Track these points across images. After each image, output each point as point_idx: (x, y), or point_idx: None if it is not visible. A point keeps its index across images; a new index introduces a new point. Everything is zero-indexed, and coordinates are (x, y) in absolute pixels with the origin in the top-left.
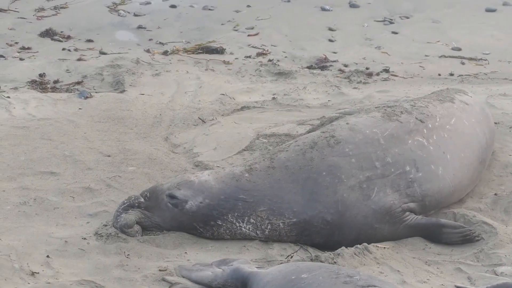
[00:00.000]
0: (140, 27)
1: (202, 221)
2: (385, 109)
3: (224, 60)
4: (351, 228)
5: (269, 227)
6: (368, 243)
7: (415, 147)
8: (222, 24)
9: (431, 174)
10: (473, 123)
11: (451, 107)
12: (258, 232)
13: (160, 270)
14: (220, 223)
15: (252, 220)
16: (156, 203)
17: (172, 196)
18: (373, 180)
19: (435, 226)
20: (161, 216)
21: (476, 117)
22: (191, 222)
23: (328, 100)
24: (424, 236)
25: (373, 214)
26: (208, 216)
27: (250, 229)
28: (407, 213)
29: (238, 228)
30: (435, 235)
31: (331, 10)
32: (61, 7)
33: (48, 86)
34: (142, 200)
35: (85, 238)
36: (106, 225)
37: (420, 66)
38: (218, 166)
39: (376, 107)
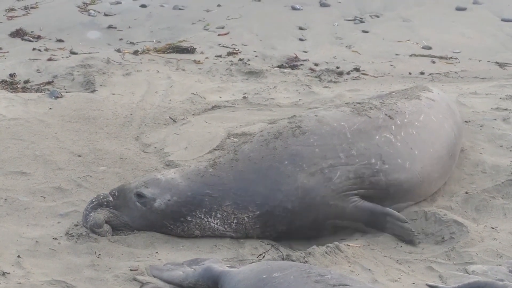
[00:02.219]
0: (110, 26)
1: (171, 219)
2: (354, 105)
3: (194, 60)
4: (310, 210)
5: (235, 221)
6: (324, 222)
7: (382, 143)
8: (192, 24)
9: (398, 167)
10: (440, 118)
11: (418, 103)
12: (225, 226)
13: (131, 270)
14: (190, 219)
15: (219, 215)
16: (124, 202)
17: (140, 195)
18: (336, 166)
19: (381, 212)
20: (130, 215)
21: (443, 113)
22: (161, 220)
23: (299, 99)
24: (370, 222)
25: (331, 193)
26: (177, 213)
27: (218, 224)
28: (356, 197)
29: (207, 223)
30: (380, 222)
31: (302, 9)
32: (32, 7)
33: (19, 86)
34: (111, 198)
35: (56, 238)
36: (77, 225)
37: (390, 65)
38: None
39: (346, 103)
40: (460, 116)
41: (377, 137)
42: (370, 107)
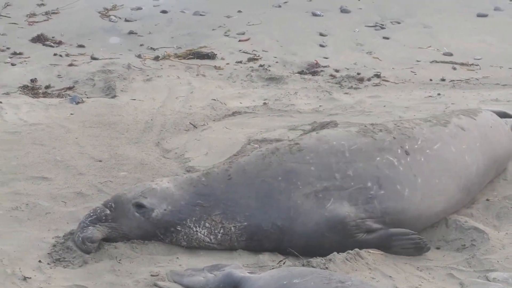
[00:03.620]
0: (131, 32)
1: (163, 228)
2: (364, 126)
3: (215, 66)
4: (301, 234)
5: (221, 231)
6: (316, 251)
7: (383, 165)
8: (213, 30)
9: (395, 194)
10: (462, 149)
11: (440, 130)
12: (211, 237)
13: (151, 275)
14: (180, 228)
15: (207, 225)
16: (122, 213)
17: (139, 205)
18: (330, 190)
19: (385, 237)
20: (128, 225)
21: (469, 144)
22: (154, 229)
23: (319, 106)
24: (376, 247)
25: (326, 223)
26: (170, 222)
27: (205, 234)
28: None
29: (195, 233)
30: (386, 245)
31: (322, 15)
32: (53, 13)
33: (40, 91)
34: (108, 211)
35: None
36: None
37: (411, 71)
38: None
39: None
40: (504, 147)
41: (378, 159)
42: (380, 130)
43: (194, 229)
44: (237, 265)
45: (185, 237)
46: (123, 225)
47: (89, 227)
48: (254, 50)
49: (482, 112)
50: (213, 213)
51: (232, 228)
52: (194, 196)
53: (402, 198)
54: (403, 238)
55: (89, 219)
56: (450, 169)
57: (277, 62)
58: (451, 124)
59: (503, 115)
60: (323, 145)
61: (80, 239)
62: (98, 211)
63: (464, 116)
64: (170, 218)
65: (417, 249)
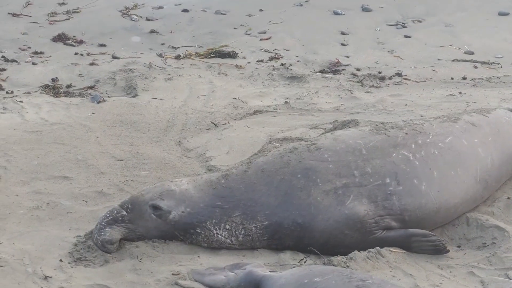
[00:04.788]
0: (152, 31)
1: (182, 230)
2: (376, 124)
3: (236, 64)
4: (322, 232)
5: (242, 232)
6: (336, 249)
7: (399, 160)
8: (234, 28)
9: (413, 189)
10: (475, 143)
11: (450, 126)
12: (232, 239)
13: (173, 274)
14: (199, 231)
15: (227, 227)
16: (139, 214)
17: (156, 207)
18: (349, 187)
19: (404, 236)
20: (145, 226)
21: (481, 138)
22: (172, 230)
23: (341, 104)
24: (395, 246)
25: (345, 220)
26: (189, 224)
27: (226, 236)
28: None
29: (215, 235)
30: (405, 246)
31: (344, 14)
32: (74, 12)
33: (61, 90)
34: (125, 213)
35: None
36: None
37: (432, 70)
38: None
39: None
40: None
41: (394, 155)
42: (392, 127)
43: (215, 231)
44: (258, 263)
45: (205, 239)
46: (140, 227)
47: (106, 229)
48: (275, 49)
49: (496, 110)
50: (233, 214)
51: (253, 228)
52: (213, 198)
53: (420, 193)
54: (422, 239)
55: (105, 220)
56: (465, 161)
57: (298, 61)
58: (462, 120)
59: None
60: (340, 144)
61: (99, 242)
62: (115, 212)
63: (475, 113)
64: (189, 220)
65: (435, 251)
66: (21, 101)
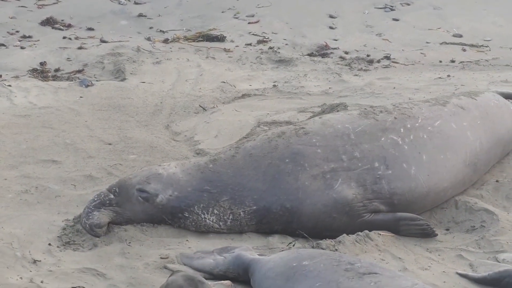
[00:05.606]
0: (140, 15)
1: (170, 213)
2: (364, 108)
3: (224, 48)
4: (310, 216)
5: (231, 217)
6: (324, 233)
7: (388, 144)
8: (222, 12)
9: (402, 173)
10: (464, 126)
11: (439, 110)
12: (221, 223)
13: (161, 258)
14: (187, 215)
15: (215, 211)
16: (126, 198)
17: (142, 191)
18: (338, 171)
19: (393, 220)
20: (132, 210)
21: (469, 121)
22: (160, 214)
23: (329, 88)
24: (383, 229)
25: (334, 204)
26: (176, 208)
27: (214, 221)
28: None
29: (203, 220)
30: (393, 229)
31: None
32: None
33: (49, 74)
34: (112, 196)
35: None
36: None
37: (421, 53)
38: None
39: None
40: (508, 127)
41: (382, 139)
42: (380, 111)
43: (202, 216)
44: (247, 247)
45: (193, 223)
46: (128, 210)
47: (94, 212)
48: (263, 33)
49: (484, 93)
50: (221, 199)
51: (242, 213)
52: (201, 182)
53: (409, 177)
54: (411, 223)
55: (93, 204)
56: (454, 144)
57: (286, 44)
58: (450, 104)
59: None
60: (328, 128)
61: (87, 226)
62: (102, 196)
63: (464, 97)
64: (176, 204)
65: (424, 235)
66: (10, 85)
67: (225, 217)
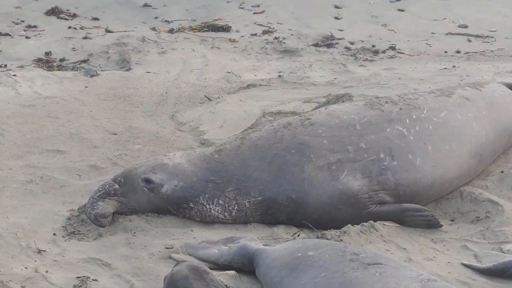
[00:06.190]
0: (146, 5)
1: (175, 204)
2: (370, 99)
3: (230, 38)
4: (315, 207)
5: (236, 207)
6: (329, 224)
7: (393, 135)
8: (228, 2)
9: (408, 164)
10: (469, 117)
11: (445, 101)
12: (226, 214)
13: (166, 248)
14: (192, 205)
15: (221, 202)
16: (131, 188)
17: (148, 181)
18: (343, 163)
19: (398, 211)
20: (137, 200)
21: (475, 112)
22: (165, 204)
23: (334, 78)
24: (388, 220)
25: (339, 195)
26: (182, 198)
27: (219, 211)
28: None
29: (208, 210)
30: (399, 220)
31: None
32: None
33: (54, 64)
34: (117, 186)
35: None
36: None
37: (426, 44)
38: None
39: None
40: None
41: (388, 130)
42: (386, 102)
43: (208, 206)
44: (252, 237)
45: (198, 213)
46: (132, 200)
47: (99, 203)
48: (269, 23)
49: (489, 84)
50: (226, 189)
51: (247, 203)
52: (206, 173)
53: (414, 168)
54: (416, 214)
55: (98, 194)
56: (459, 135)
57: (292, 34)
58: (455, 94)
59: None
60: (334, 119)
61: (92, 216)
62: (107, 186)
63: (469, 87)
64: (182, 194)
65: (429, 226)
66: (15, 75)
67: (230, 208)
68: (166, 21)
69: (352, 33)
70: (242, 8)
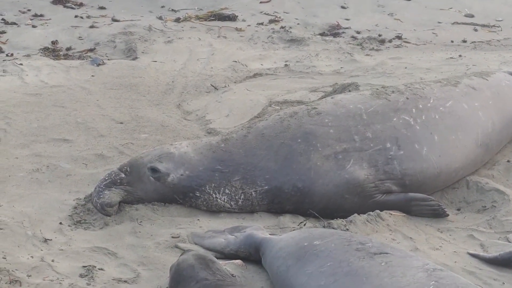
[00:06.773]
0: None
1: (181, 193)
2: (377, 89)
3: (236, 27)
4: (322, 196)
5: (242, 197)
6: (335, 213)
7: (400, 125)
8: None
9: (414, 153)
10: (475, 107)
11: (451, 90)
12: (232, 203)
13: (172, 237)
14: (198, 194)
15: (227, 191)
16: (138, 177)
17: (154, 170)
18: (349, 152)
19: (404, 201)
20: (143, 189)
21: (481, 102)
22: (171, 194)
23: (341, 67)
24: (395, 210)
25: (345, 184)
26: (188, 187)
27: (225, 200)
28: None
29: (214, 199)
30: (405, 209)
31: None
32: None
33: (61, 53)
34: (123, 175)
35: None
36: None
37: (433, 33)
38: None
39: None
40: None
41: (394, 119)
42: (392, 91)
43: (214, 195)
44: (258, 226)
45: (204, 203)
46: (139, 189)
47: (105, 191)
48: (275, 12)
49: (495, 73)
50: (232, 178)
51: (253, 192)
52: (213, 162)
53: (421, 157)
54: (422, 203)
55: (104, 183)
56: (465, 125)
57: (298, 23)
58: (462, 84)
59: None
60: (340, 108)
61: (98, 205)
62: (113, 175)
63: (475, 77)
64: (188, 183)
65: (435, 215)
66: (21, 64)
67: (236, 197)
68: (172, 10)
69: (358, 22)
70: None
